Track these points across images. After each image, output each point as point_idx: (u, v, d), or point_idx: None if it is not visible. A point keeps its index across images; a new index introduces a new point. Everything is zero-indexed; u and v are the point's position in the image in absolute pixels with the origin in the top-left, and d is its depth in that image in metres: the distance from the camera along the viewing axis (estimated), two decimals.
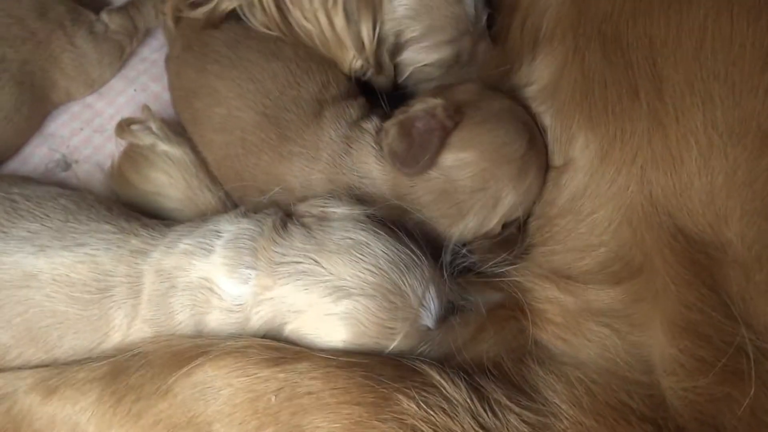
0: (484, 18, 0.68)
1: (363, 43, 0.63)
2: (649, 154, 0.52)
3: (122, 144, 0.68)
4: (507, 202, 0.58)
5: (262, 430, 0.48)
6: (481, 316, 0.55)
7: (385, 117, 0.62)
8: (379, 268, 0.51)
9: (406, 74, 0.69)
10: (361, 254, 0.52)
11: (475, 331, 0.54)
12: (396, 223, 0.56)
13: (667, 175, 0.51)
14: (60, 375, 0.54)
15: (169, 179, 0.65)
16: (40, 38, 0.70)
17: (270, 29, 0.66)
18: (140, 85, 0.76)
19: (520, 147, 0.58)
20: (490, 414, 0.47)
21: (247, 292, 0.53)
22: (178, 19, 0.70)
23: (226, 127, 0.63)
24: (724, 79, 0.50)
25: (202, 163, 0.66)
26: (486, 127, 0.58)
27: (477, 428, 0.46)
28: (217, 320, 0.54)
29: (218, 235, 0.55)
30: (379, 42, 0.65)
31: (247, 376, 0.49)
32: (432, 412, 0.47)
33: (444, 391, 0.48)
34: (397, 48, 0.67)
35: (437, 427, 0.46)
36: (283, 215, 0.56)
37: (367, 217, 0.55)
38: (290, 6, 0.64)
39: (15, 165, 0.71)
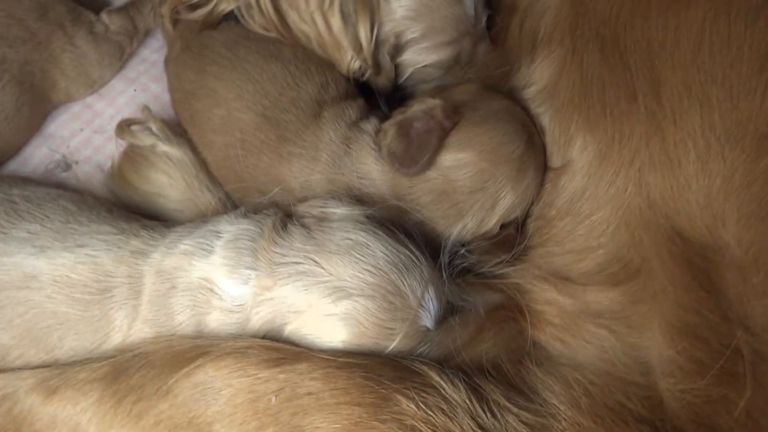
0: (484, 19, 0.68)
1: (361, 45, 0.64)
2: (647, 157, 0.52)
3: (122, 145, 0.68)
4: (505, 202, 0.58)
5: (262, 430, 0.48)
6: (480, 317, 0.55)
7: (384, 118, 0.62)
8: (379, 269, 0.52)
9: (406, 75, 0.69)
10: (360, 255, 0.52)
11: (474, 332, 0.54)
12: (395, 224, 0.56)
13: (665, 178, 0.51)
14: (61, 375, 0.54)
15: (169, 180, 0.65)
16: (40, 39, 0.70)
17: (268, 31, 0.66)
18: (140, 85, 0.76)
19: (518, 147, 0.58)
20: (488, 414, 0.47)
21: (248, 293, 0.53)
22: (176, 21, 0.71)
23: (225, 129, 0.64)
24: (721, 81, 0.50)
25: (202, 164, 0.66)
26: (484, 127, 0.58)
27: (476, 429, 0.47)
28: (217, 321, 0.54)
29: (218, 236, 0.55)
30: (380, 43, 0.65)
31: (248, 376, 0.49)
32: (431, 413, 0.47)
33: (443, 391, 0.48)
34: (398, 49, 0.67)
35: (436, 427, 0.46)
36: (283, 216, 0.56)
37: (367, 217, 0.55)
38: (287, 8, 0.64)
39: (15, 165, 0.71)
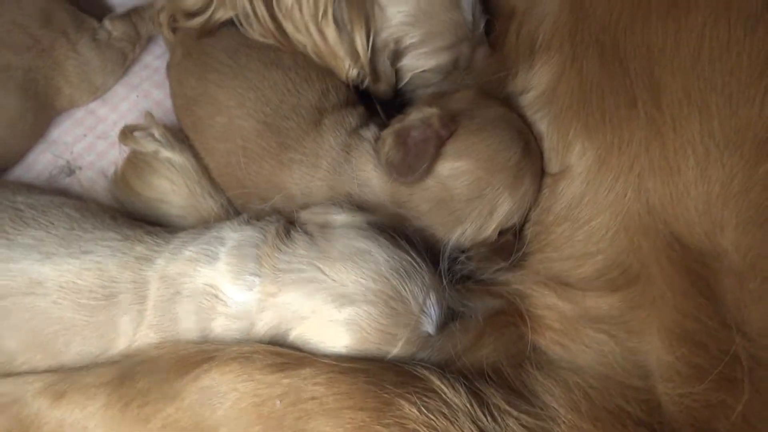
0: (482, 24, 0.68)
1: (357, 53, 0.64)
2: (647, 163, 0.52)
3: (125, 150, 0.68)
4: (503, 209, 0.58)
5: None
6: (481, 323, 0.55)
7: (383, 125, 0.62)
8: (381, 275, 0.52)
9: (406, 80, 0.69)
10: (363, 261, 0.52)
11: (475, 337, 0.54)
12: (396, 230, 0.56)
13: (664, 184, 0.51)
14: (68, 379, 0.54)
15: (172, 186, 0.65)
16: (43, 46, 0.71)
17: (267, 39, 0.66)
18: (143, 91, 0.76)
19: (514, 155, 0.58)
20: (489, 418, 0.48)
21: (252, 299, 0.53)
22: (175, 29, 0.71)
23: (227, 136, 0.64)
24: (721, 88, 0.50)
25: (205, 170, 0.66)
26: (481, 135, 0.58)
27: None
28: (222, 326, 0.54)
29: (222, 242, 0.56)
30: (378, 49, 0.65)
31: (253, 381, 0.50)
32: (433, 417, 0.47)
33: (444, 396, 0.49)
34: (397, 54, 0.67)
35: (438, 431, 0.47)
36: (285, 223, 0.57)
37: (368, 224, 0.56)
38: (282, 18, 0.64)
39: (19, 171, 0.72)
